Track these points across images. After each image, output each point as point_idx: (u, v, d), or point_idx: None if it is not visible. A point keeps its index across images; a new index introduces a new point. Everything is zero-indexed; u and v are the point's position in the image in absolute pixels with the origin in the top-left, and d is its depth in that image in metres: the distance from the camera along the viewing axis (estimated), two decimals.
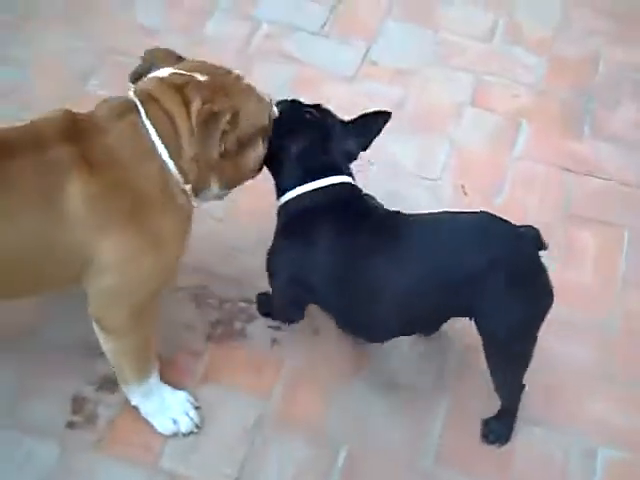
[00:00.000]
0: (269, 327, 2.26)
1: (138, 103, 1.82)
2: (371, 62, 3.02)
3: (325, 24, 3.14)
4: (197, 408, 2.07)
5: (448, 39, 3.13)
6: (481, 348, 1.96)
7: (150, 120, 1.81)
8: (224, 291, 2.32)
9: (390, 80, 2.96)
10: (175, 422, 2.04)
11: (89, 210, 1.75)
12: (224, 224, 2.47)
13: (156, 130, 1.81)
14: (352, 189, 2.03)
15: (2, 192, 1.72)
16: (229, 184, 1.97)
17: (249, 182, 2.04)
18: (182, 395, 2.07)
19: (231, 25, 3.10)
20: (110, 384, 2.10)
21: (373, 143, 2.09)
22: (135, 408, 2.05)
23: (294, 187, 1.99)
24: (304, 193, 1.98)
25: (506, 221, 1.93)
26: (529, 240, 1.91)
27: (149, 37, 3.00)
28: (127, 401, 2.06)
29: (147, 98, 1.83)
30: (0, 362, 2.13)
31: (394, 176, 2.66)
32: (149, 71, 1.91)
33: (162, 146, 1.81)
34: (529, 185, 2.67)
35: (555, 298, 1.92)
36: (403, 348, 2.24)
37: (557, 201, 2.63)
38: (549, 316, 1.92)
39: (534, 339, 1.94)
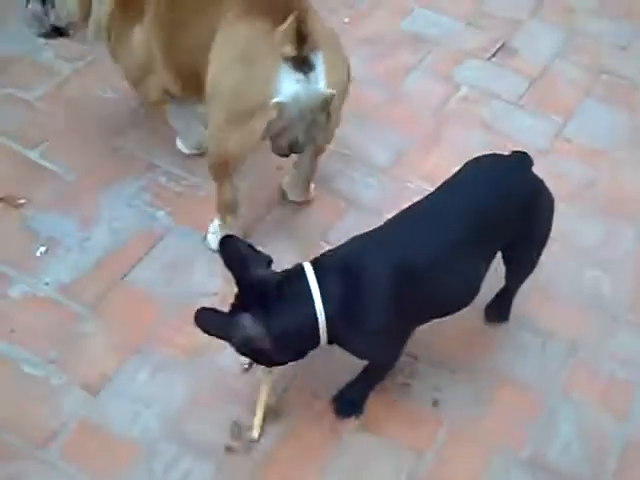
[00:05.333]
0: (432, 388, 2.26)
1: None
2: (565, 139, 3.00)
3: (523, 95, 3.16)
4: None
5: None
6: None
7: None
8: None
9: (582, 159, 2.93)
10: None
11: None
12: None
13: None
14: None
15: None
16: None
17: None
18: None
19: (430, 84, 3.17)
20: (272, 415, 2.15)
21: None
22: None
23: None
24: None
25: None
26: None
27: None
28: (287, 434, 2.13)
29: None
30: (173, 381, 2.22)
31: (575, 255, 2.62)
32: None
33: None
34: None
35: None
36: (572, 441, 2.20)
37: None
38: None
39: None
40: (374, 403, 2.21)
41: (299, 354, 2.02)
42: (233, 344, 1.92)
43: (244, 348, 1.93)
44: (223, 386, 2.21)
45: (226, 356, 2.24)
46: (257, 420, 2.12)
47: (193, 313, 1.90)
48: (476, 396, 2.24)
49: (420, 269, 1.95)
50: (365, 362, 2.14)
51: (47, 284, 2.41)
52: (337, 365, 2.22)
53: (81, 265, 2.46)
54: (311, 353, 2.05)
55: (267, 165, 2.76)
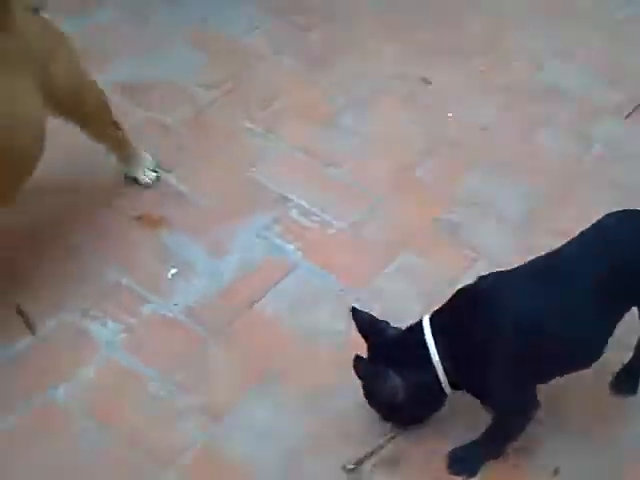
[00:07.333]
0: (554, 454, 2.20)
1: None
2: None
3: None
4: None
5: None
6: None
7: None
8: None
9: None
10: None
11: None
12: None
13: None
14: None
15: None
16: None
17: None
18: None
19: (563, 139, 3.12)
20: (391, 465, 2.14)
21: None
22: None
23: None
24: None
25: None
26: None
27: None
28: None
29: None
30: (294, 416, 2.23)
31: None
32: None
33: None
34: None
35: None
36: None
37: None
38: None
39: None
40: (492, 465, 2.16)
41: (431, 407, 2.11)
42: (376, 393, 2.08)
43: (384, 398, 2.06)
44: (344, 428, 2.20)
45: (350, 399, 2.24)
46: None
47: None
48: (601, 469, 2.17)
49: (541, 324, 1.96)
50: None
51: (176, 305, 2.45)
52: (464, 425, 2.20)
53: (210, 290, 2.50)
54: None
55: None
